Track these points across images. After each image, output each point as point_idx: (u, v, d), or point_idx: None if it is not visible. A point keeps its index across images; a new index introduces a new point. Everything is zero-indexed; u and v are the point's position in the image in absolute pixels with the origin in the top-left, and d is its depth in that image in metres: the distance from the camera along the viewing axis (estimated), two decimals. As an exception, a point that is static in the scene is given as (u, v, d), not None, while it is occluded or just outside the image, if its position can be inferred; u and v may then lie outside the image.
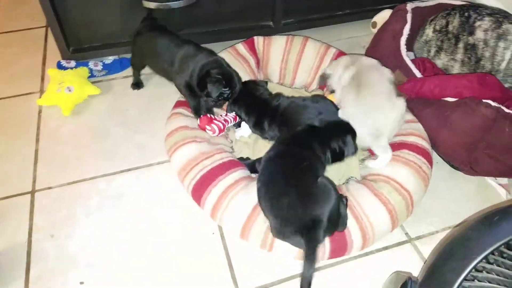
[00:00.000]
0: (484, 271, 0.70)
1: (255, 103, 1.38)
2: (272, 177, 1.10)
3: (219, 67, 1.32)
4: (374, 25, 1.87)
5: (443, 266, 0.74)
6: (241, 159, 1.32)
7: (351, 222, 1.10)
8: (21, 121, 1.52)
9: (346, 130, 1.24)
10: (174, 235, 1.21)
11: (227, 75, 1.32)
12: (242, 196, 1.14)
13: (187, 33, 1.72)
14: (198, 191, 1.19)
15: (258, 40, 1.58)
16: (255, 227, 1.11)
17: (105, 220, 1.24)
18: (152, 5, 1.58)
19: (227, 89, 1.32)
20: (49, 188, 1.31)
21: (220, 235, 1.21)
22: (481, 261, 0.69)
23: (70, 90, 1.53)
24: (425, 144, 1.29)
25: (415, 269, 1.12)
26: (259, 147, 1.39)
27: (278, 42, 1.58)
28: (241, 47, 1.57)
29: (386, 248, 1.20)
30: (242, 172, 1.22)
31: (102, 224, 1.23)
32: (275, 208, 1.04)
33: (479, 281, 0.69)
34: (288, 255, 1.13)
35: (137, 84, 1.63)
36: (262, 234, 1.11)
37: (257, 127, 1.38)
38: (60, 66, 1.65)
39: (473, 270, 0.69)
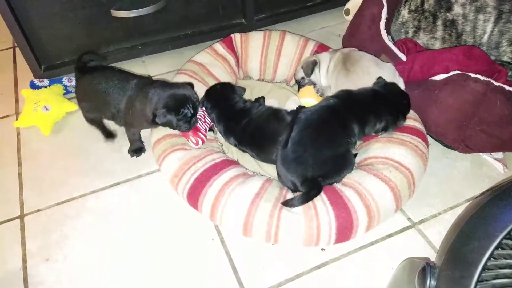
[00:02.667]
0: (508, 248, 0.67)
1: (227, 112, 1.31)
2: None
3: (162, 95, 1.19)
4: (347, 12, 1.85)
5: (463, 247, 0.71)
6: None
7: (355, 199, 1.08)
8: (0, 144, 1.45)
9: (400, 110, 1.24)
10: (172, 245, 1.16)
11: (175, 101, 1.18)
12: (239, 190, 1.11)
13: (159, 39, 1.68)
14: (194, 195, 1.15)
15: (236, 38, 1.55)
16: (256, 220, 1.08)
17: (99, 238, 1.19)
18: (122, 13, 1.54)
19: (182, 112, 1.18)
20: (38, 210, 1.25)
21: (220, 240, 1.17)
22: (504, 237, 0.65)
23: (47, 109, 1.46)
24: (418, 124, 1.27)
25: (422, 254, 1.12)
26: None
27: (256, 38, 1.55)
28: (219, 46, 1.53)
29: (390, 235, 1.17)
30: (236, 170, 1.18)
31: (97, 242, 1.18)
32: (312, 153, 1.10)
33: (505, 258, 0.66)
34: (296, 244, 1.09)
35: (110, 135, 1.42)
36: (265, 226, 1.07)
37: (226, 136, 1.33)
38: (33, 86, 1.58)
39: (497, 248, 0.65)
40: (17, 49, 1.82)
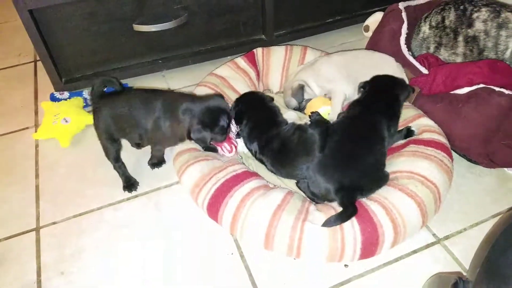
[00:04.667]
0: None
1: (259, 118, 1.30)
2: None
3: (195, 111, 1.16)
4: (366, 28, 1.86)
5: (499, 259, 0.68)
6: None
7: (380, 213, 1.05)
8: (18, 157, 1.45)
9: None
10: (190, 260, 1.14)
11: (209, 115, 1.16)
12: (261, 202, 1.09)
13: (179, 54, 1.70)
14: (215, 205, 1.13)
15: (258, 52, 1.56)
16: (278, 232, 1.05)
17: (116, 251, 1.16)
18: (143, 28, 1.56)
19: (218, 125, 1.17)
20: (54, 223, 1.24)
21: (240, 255, 1.14)
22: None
23: (66, 121, 1.47)
24: (442, 138, 1.25)
25: (449, 270, 1.08)
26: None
27: (278, 52, 1.56)
28: (241, 60, 1.54)
29: (414, 251, 1.13)
30: (257, 181, 1.17)
31: (114, 256, 1.15)
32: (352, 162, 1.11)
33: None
34: (319, 259, 1.06)
35: (130, 185, 1.31)
36: (287, 239, 1.05)
37: (249, 140, 1.29)
38: (53, 98, 1.60)
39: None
40: (38, 63, 1.85)
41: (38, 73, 1.82)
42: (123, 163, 1.32)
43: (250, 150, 1.30)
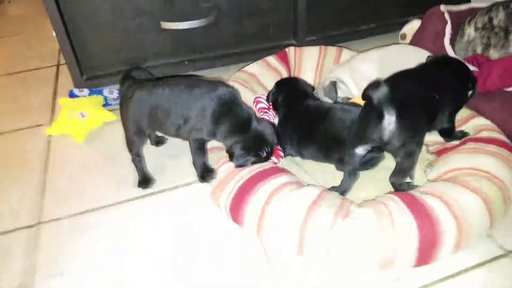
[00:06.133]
0: None
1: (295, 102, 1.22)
2: None
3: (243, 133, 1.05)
4: (403, 36, 1.75)
5: None
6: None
7: (440, 208, 0.87)
8: (29, 152, 1.34)
9: None
10: (208, 268, 0.96)
11: (255, 142, 1.06)
12: (293, 197, 0.94)
13: (207, 56, 1.62)
14: (237, 205, 0.98)
15: (290, 50, 1.47)
16: (314, 233, 0.89)
17: (126, 252, 1.01)
18: (171, 25, 1.49)
19: (261, 154, 1.06)
20: (56, 219, 1.10)
21: (267, 262, 0.97)
22: None
23: (83, 116, 1.37)
24: (503, 137, 1.09)
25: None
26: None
27: (311, 51, 1.46)
28: (272, 59, 1.45)
29: (479, 265, 0.94)
30: (288, 177, 1.01)
31: (123, 257, 1.00)
32: None
33: None
34: (367, 266, 0.88)
35: (147, 181, 1.18)
36: (325, 241, 0.88)
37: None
38: (72, 95, 1.51)
39: None
40: (61, 67, 1.80)
41: (59, 76, 1.76)
42: (143, 158, 1.19)
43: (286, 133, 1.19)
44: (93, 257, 1.00)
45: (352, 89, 1.30)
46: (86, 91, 1.52)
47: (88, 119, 1.38)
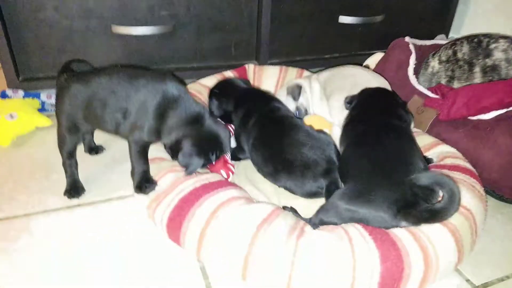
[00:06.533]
0: None
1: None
2: None
3: (196, 129, 0.92)
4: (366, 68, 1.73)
5: None
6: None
7: (406, 238, 0.77)
8: None
9: None
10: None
11: (209, 140, 0.94)
12: (240, 212, 0.81)
13: (161, 68, 1.51)
14: (175, 221, 0.84)
15: (249, 67, 1.39)
16: (262, 254, 0.76)
17: (42, 267, 0.83)
18: (123, 29, 1.39)
19: (211, 158, 0.94)
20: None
21: (206, 287, 0.82)
22: None
23: (12, 117, 1.21)
24: (468, 165, 1.03)
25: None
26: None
27: (271, 70, 1.39)
28: (229, 73, 1.36)
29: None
30: (237, 191, 0.89)
31: (38, 273, 0.82)
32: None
33: None
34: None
35: (76, 190, 1.03)
36: (279, 265, 0.75)
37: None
38: (4, 96, 1.34)
39: None
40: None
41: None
42: (76, 162, 1.04)
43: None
44: (12, 268, 0.82)
45: (314, 94, 1.26)
46: (21, 92, 1.36)
47: (17, 122, 1.21)
